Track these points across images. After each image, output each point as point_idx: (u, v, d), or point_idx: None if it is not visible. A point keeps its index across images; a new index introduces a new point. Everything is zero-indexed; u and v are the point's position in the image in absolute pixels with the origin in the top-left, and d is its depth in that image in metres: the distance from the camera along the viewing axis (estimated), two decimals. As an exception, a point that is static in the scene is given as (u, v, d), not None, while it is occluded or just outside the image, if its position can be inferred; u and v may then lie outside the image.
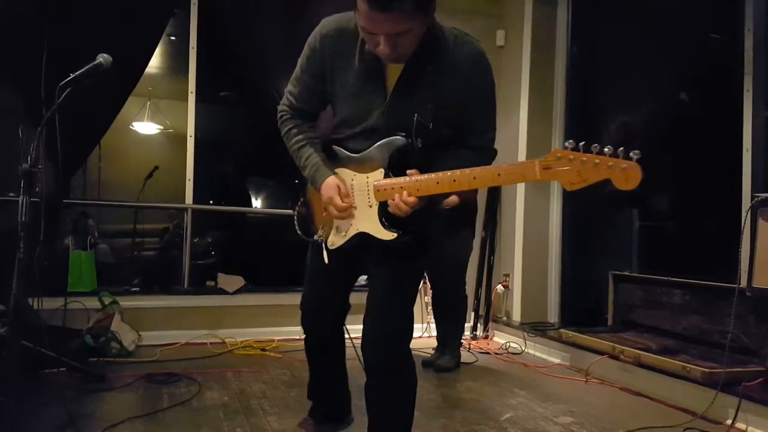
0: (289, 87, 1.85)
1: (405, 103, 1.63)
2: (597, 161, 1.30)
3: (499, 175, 1.47)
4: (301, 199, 1.97)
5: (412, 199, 1.58)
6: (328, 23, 1.70)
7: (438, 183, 1.56)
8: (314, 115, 1.87)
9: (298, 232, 1.96)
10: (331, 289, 1.99)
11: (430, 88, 1.63)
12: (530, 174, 1.40)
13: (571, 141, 1.35)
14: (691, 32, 3.98)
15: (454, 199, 2.69)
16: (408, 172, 1.61)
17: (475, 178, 1.50)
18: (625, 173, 1.27)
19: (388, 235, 1.68)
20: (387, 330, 1.78)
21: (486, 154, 1.75)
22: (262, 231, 5.79)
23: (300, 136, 1.83)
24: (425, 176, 1.58)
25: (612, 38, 4.66)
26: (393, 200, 1.62)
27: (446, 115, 1.65)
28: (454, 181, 1.53)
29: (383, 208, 1.68)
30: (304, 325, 2.09)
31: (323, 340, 2.12)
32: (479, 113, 1.69)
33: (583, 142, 1.35)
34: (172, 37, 5.29)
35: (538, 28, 4.86)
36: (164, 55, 5.65)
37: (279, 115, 1.89)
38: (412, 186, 1.60)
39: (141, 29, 4.16)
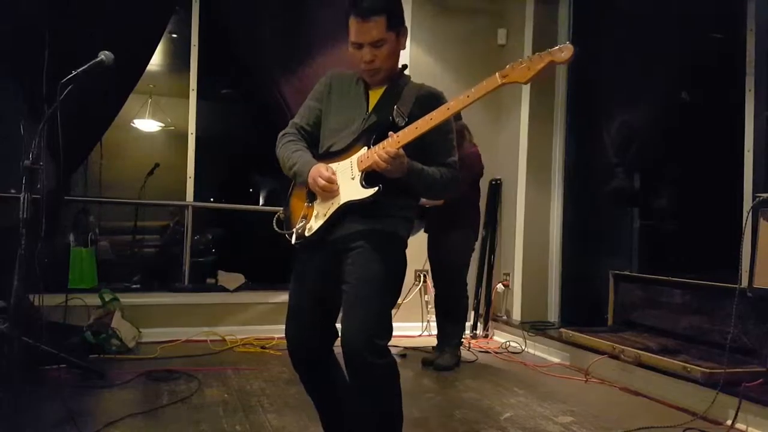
0: (294, 118, 2.09)
1: (383, 114, 1.90)
2: (540, 54, 1.61)
3: (468, 96, 1.68)
4: (284, 207, 2.06)
5: (393, 149, 1.72)
6: (334, 70, 2.09)
7: (417, 128, 1.74)
8: (310, 135, 2.04)
9: (276, 228, 2.02)
10: (312, 310, 1.95)
11: (402, 107, 1.90)
12: (493, 83, 1.65)
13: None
14: (693, 32, 3.97)
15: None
16: (389, 134, 1.78)
17: (449, 108, 1.72)
18: (560, 51, 1.58)
19: (368, 192, 1.80)
20: (359, 327, 1.74)
21: (451, 170, 1.94)
22: (263, 228, 5.77)
23: (292, 144, 2.00)
24: (403, 130, 1.77)
25: (613, 37, 4.65)
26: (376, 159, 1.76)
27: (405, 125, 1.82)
28: (431, 119, 1.73)
29: (364, 174, 1.82)
30: (292, 357, 1.99)
31: (313, 368, 2.00)
32: (442, 139, 1.91)
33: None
34: (174, 35, 5.29)
35: (540, 26, 4.85)
36: (165, 52, 5.65)
37: (279, 137, 2.05)
38: (392, 141, 1.76)
39: (142, 26, 4.16)
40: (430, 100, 1.90)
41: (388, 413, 1.84)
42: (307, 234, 1.89)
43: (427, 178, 1.86)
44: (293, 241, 1.93)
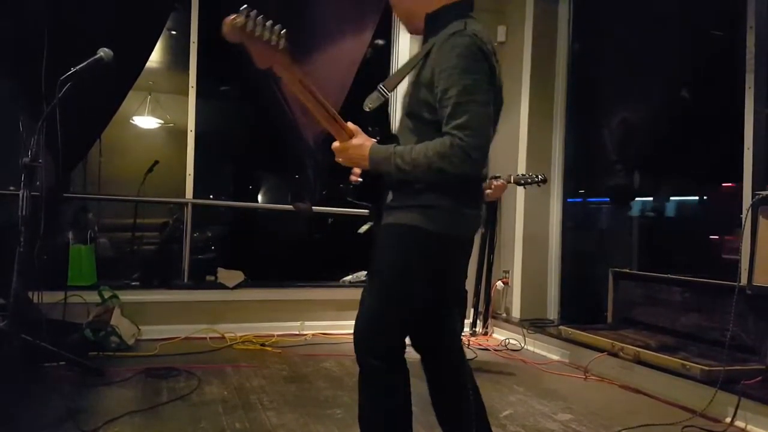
0: None
1: (392, 83, 1.71)
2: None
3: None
4: None
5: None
6: None
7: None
8: None
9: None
10: None
11: (392, 80, 1.70)
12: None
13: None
14: (693, 29, 3.97)
15: None
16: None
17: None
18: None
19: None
20: (358, 326, 1.72)
21: (449, 142, 1.53)
22: (262, 226, 5.79)
23: None
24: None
25: (613, 35, 4.65)
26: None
27: (419, 95, 1.65)
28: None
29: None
30: None
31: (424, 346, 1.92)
32: (440, 93, 1.55)
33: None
34: (173, 32, 5.28)
35: (540, 24, 4.84)
36: (165, 49, 5.65)
37: None
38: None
39: (142, 23, 4.15)
40: (437, 50, 1.62)
41: (366, 414, 1.76)
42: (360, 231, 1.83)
43: (396, 162, 1.57)
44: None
